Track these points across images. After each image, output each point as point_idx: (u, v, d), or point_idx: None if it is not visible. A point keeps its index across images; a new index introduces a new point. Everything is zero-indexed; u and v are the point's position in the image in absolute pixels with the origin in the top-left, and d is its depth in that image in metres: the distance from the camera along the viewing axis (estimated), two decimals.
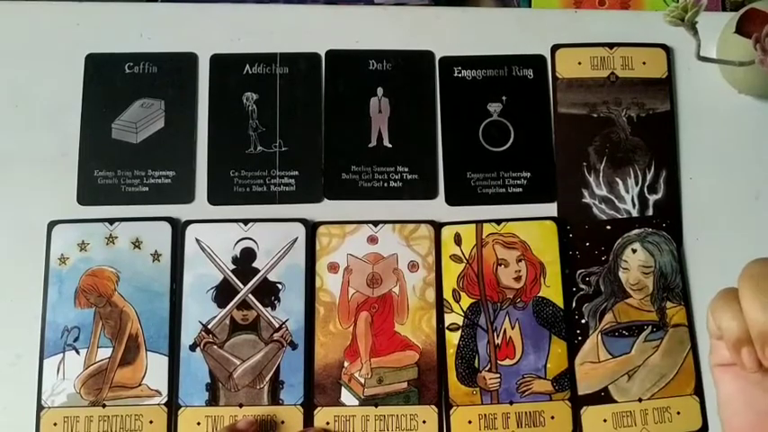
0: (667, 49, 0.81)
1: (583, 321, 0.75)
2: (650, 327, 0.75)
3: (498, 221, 0.77)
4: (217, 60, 0.81)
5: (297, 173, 0.78)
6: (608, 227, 0.77)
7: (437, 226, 0.77)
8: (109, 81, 0.80)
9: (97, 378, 0.73)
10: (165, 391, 0.73)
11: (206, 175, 0.78)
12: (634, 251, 0.77)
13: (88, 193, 0.77)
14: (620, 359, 0.75)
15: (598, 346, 0.75)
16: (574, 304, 0.76)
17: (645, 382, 0.75)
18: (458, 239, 0.76)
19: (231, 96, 0.80)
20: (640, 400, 0.74)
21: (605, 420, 0.74)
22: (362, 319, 0.75)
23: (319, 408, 0.73)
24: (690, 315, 0.76)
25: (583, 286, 0.76)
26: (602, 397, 0.74)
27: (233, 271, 0.76)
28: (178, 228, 0.76)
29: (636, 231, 0.77)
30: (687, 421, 0.74)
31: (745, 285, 0.50)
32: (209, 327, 0.74)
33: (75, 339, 0.74)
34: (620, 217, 0.77)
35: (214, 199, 0.78)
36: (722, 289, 0.53)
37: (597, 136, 0.79)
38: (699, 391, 0.75)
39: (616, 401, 0.74)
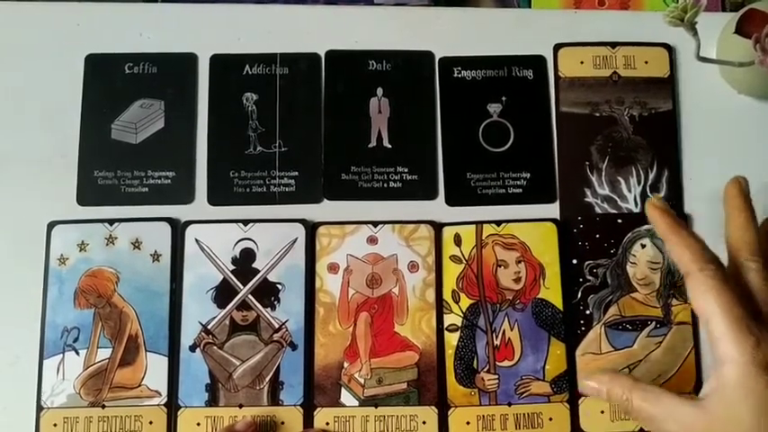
0: (669, 49, 0.81)
1: (587, 312, 0.75)
2: (654, 323, 0.75)
3: (498, 222, 0.77)
4: (216, 60, 0.80)
5: (297, 173, 0.78)
6: (619, 220, 0.77)
7: (437, 226, 0.77)
8: (108, 81, 0.80)
9: (97, 379, 0.73)
10: (164, 392, 0.73)
11: (206, 176, 0.78)
12: (643, 246, 0.77)
13: (88, 193, 0.77)
14: (621, 352, 0.75)
15: (601, 338, 0.75)
16: (579, 295, 0.76)
17: (645, 377, 0.75)
18: (457, 240, 0.76)
19: (231, 97, 0.80)
20: None
21: (602, 412, 0.74)
22: (362, 319, 0.75)
23: (319, 408, 0.74)
24: (695, 314, 0.75)
25: (590, 277, 0.76)
26: None
27: (233, 271, 0.76)
28: (178, 228, 0.76)
29: (646, 227, 0.77)
30: None
31: None
32: (209, 327, 0.75)
33: (75, 340, 0.74)
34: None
35: (214, 199, 0.78)
36: None
37: (599, 135, 0.79)
38: (699, 390, 0.74)
39: None
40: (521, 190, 0.78)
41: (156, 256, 0.76)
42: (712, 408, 0.59)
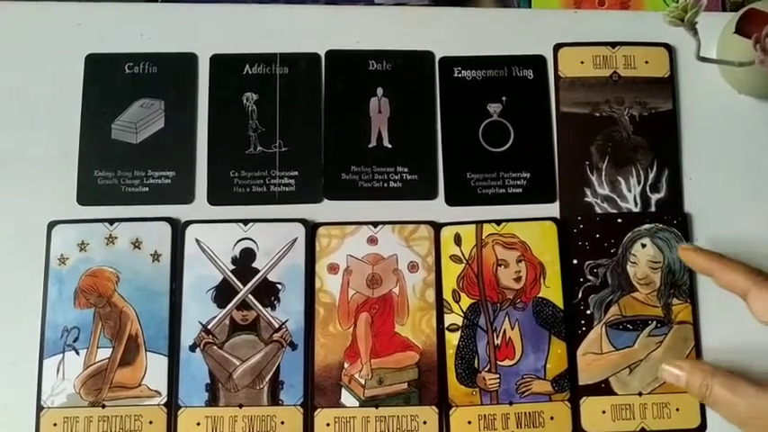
0: (669, 49, 0.81)
1: (588, 312, 0.75)
2: (655, 322, 0.75)
3: (498, 222, 0.77)
4: (217, 60, 0.80)
5: (297, 173, 0.78)
6: (619, 220, 0.77)
7: (437, 226, 0.77)
8: (109, 81, 0.80)
9: (97, 378, 0.73)
10: (164, 392, 0.73)
11: (206, 176, 0.78)
12: (643, 246, 0.77)
13: (88, 193, 0.77)
14: (622, 352, 0.75)
15: (602, 338, 0.75)
16: (580, 295, 0.76)
17: (646, 376, 0.75)
18: (458, 240, 0.76)
19: (231, 96, 0.80)
20: (640, 394, 0.74)
21: (604, 412, 0.74)
22: (362, 319, 0.75)
23: (319, 409, 0.73)
24: (695, 313, 0.76)
25: (590, 277, 0.76)
26: (603, 388, 0.74)
27: (233, 271, 0.76)
28: (178, 228, 0.76)
29: (646, 226, 0.77)
30: (686, 418, 0.74)
31: None
32: (209, 327, 0.74)
33: (75, 340, 0.74)
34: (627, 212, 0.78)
35: (214, 199, 0.78)
36: None
37: (599, 135, 0.79)
38: None
39: (616, 394, 0.74)
40: (521, 190, 0.78)
41: (156, 256, 0.75)
42: None
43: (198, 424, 0.73)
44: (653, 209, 0.78)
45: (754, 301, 0.67)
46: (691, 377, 0.69)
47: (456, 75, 0.80)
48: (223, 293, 0.75)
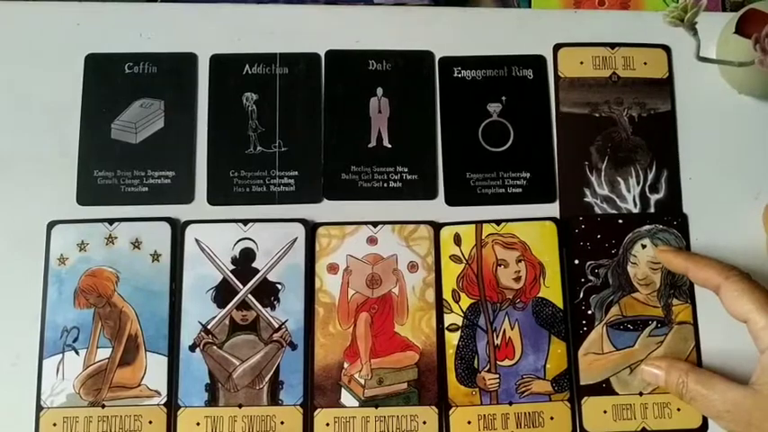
0: (668, 50, 0.81)
1: (589, 312, 0.75)
2: (655, 322, 0.75)
3: (498, 222, 0.77)
4: (216, 60, 0.80)
5: (296, 173, 0.78)
6: (619, 221, 0.77)
7: (437, 226, 0.77)
8: (109, 81, 0.80)
9: (96, 378, 0.73)
10: (164, 392, 0.73)
11: (205, 176, 0.78)
12: (644, 246, 0.77)
13: (88, 193, 0.77)
14: (623, 352, 0.75)
15: (602, 338, 0.75)
16: (581, 295, 0.76)
17: None
18: (457, 240, 0.76)
19: (231, 97, 0.80)
20: (641, 393, 0.74)
21: (605, 412, 0.74)
22: (362, 319, 0.75)
23: (319, 409, 0.73)
24: (695, 313, 0.76)
25: (591, 278, 0.76)
26: (604, 388, 0.74)
27: (232, 271, 0.76)
28: (178, 228, 0.76)
29: (646, 227, 0.77)
30: (687, 419, 0.74)
31: None
32: (209, 327, 0.74)
33: (75, 340, 0.74)
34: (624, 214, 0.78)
35: (214, 199, 0.78)
36: None
37: (599, 135, 0.79)
38: None
39: (617, 394, 0.74)
40: (520, 190, 0.78)
41: (155, 256, 0.75)
42: (760, 389, 0.65)
43: (198, 424, 0.73)
44: (652, 209, 0.78)
45: (725, 294, 0.68)
46: (668, 376, 0.72)
47: (456, 75, 0.80)
48: (223, 293, 0.75)
